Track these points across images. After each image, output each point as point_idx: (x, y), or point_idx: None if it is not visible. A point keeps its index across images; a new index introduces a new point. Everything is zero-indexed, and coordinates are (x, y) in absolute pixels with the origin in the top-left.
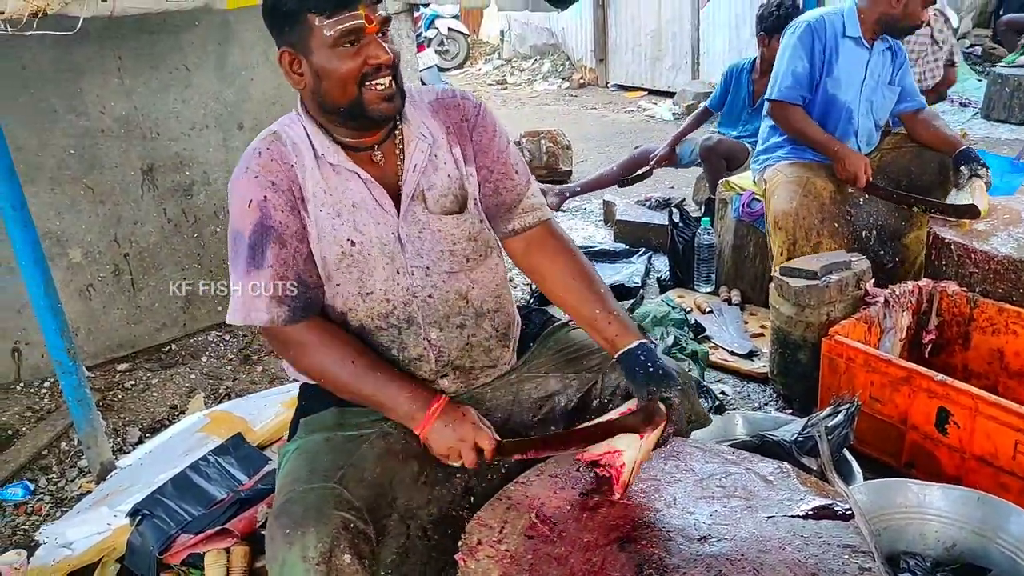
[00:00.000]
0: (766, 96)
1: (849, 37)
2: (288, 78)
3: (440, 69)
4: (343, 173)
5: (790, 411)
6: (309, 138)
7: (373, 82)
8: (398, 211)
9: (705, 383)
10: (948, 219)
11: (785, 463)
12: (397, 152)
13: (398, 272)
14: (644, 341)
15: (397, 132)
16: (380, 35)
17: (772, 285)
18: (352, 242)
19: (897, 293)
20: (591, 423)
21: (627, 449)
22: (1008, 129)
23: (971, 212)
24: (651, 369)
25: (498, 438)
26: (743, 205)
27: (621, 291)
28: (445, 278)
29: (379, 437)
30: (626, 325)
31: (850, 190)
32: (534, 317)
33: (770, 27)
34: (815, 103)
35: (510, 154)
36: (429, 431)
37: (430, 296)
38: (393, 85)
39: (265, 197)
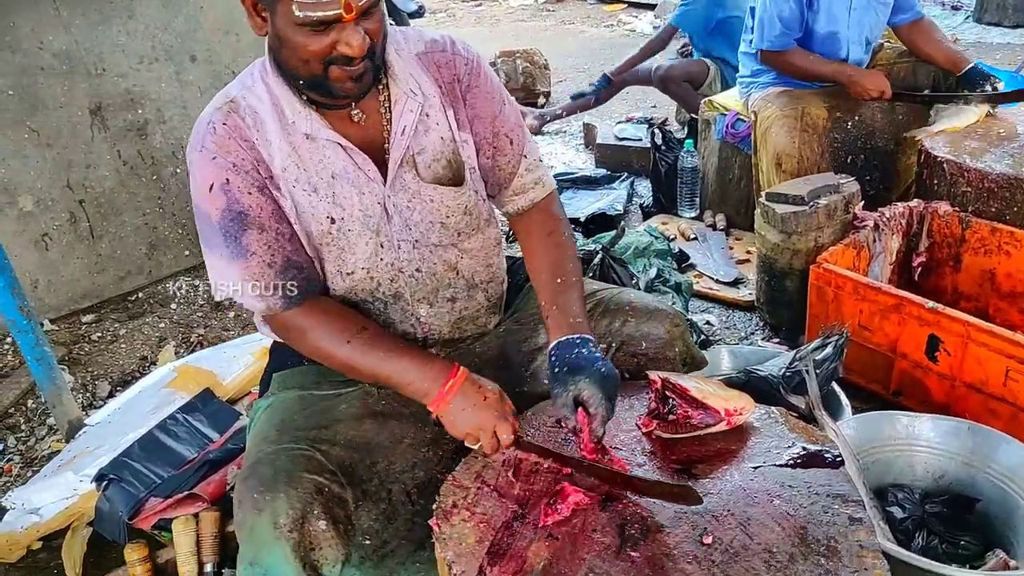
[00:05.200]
0: (755, 44)
1: None
2: (250, 19)
3: None
4: (319, 142)
5: (776, 340)
6: (275, 102)
7: (342, 66)
8: (384, 179)
9: (689, 316)
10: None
11: (773, 408)
12: (381, 111)
13: (382, 246)
14: (563, 338)
15: (382, 87)
16: (363, 16)
17: (758, 212)
18: (332, 219)
19: (887, 216)
20: (627, 473)
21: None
22: (1000, 33)
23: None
24: (556, 369)
25: (518, 430)
26: (727, 126)
27: (603, 220)
28: (432, 250)
29: (358, 396)
30: (558, 322)
31: (839, 115)
32: (518, 269)
33: None
34: (799, 41)
35: (506, 120)
36: (444, 411)
37: (418, 270)
38: (366, 65)
39: (227, 180)
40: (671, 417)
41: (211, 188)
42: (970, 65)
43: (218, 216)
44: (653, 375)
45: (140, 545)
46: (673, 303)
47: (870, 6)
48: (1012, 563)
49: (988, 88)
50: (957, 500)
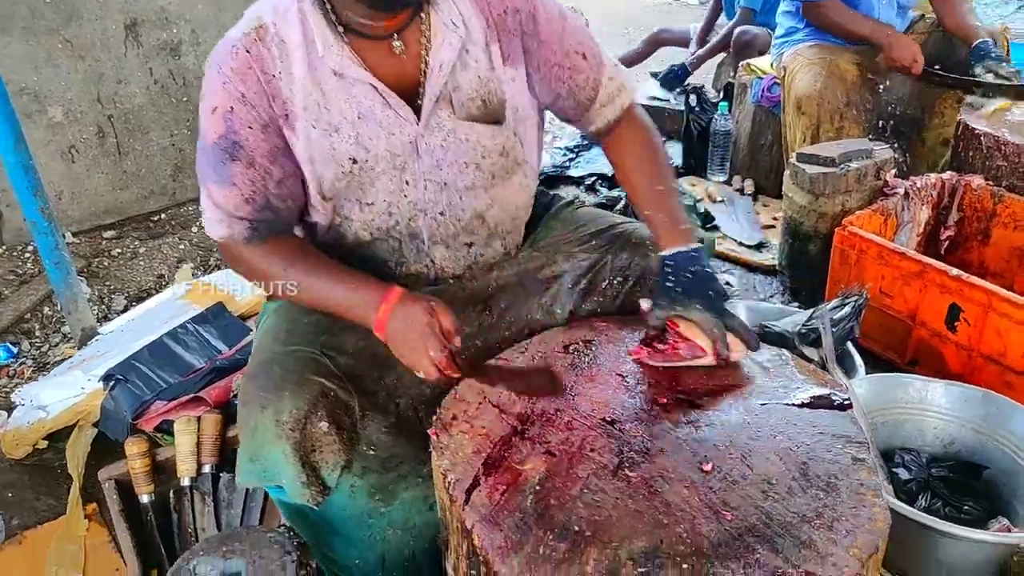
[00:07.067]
0: None
1: None
2: None
3: None
4: (347, 78)
5: (796, 304)
6: (307, 32)
7: None
8: (418, 116)
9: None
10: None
11: (784, 351)
12: (422, 40)
13: (407, 183)
14: (681, 249)
15: (423, 16)
16: None
17: (787, 173)
18: (354, 159)
19: (918, 185)
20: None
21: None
22: None
23: None
24: (670, 282)
25: (455, 343)
26: (764, 89)
27: None
28: (463, 194)
29: None
30: (669, 228)
31: (870, 77)
32: (539, 198)
33: None
34: None
35: (572, 35)
36: (387, 338)
37: (441, 213)
38: None
39: (232, 109)
40: (661, 346)
41: (214, 111)
42: (979, 40)
43: (212, 139)
44: (645, 303)
45: (141, 440)
46: None
47: None
48: (1015, 531)
49: (991, 62)
50: (964, 466)
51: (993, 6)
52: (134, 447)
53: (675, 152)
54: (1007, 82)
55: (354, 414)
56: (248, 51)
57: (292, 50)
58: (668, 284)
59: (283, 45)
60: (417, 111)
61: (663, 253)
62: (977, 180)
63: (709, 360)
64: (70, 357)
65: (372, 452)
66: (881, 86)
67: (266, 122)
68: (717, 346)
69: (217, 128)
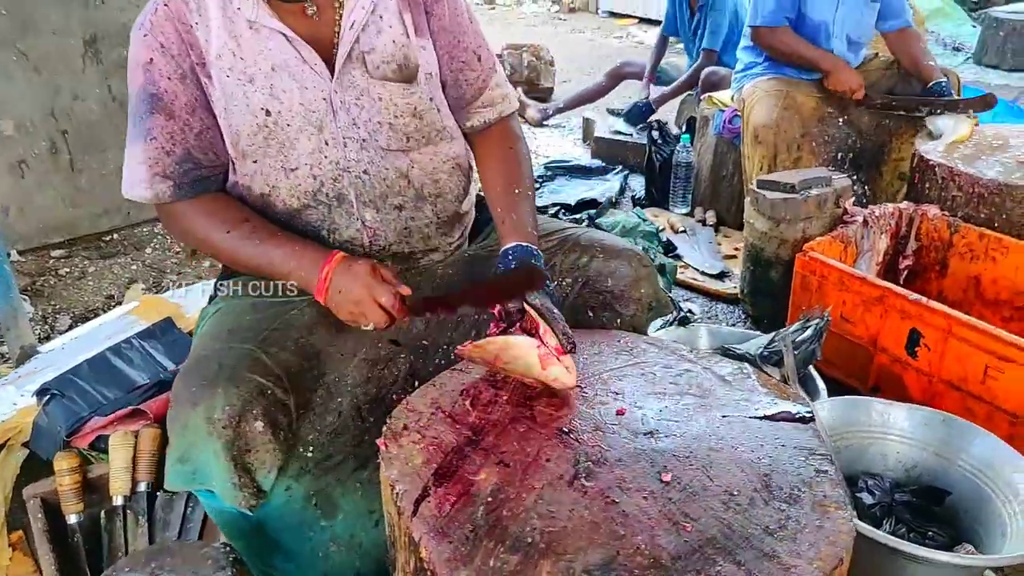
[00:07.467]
0: (748, 23)
1: None
2: None
3: None
4: (262, 31)
5: (758, 331)
6: None
7: None
8: (332, 73)
9: (670, 296)
10: (960, 114)
11: (746, 364)
12: (336, 6)
13: (327, 143)
14: (521, 243)
15: None
16: None
17: (747, 200)
18: (267, 111)
19: (876, 214)
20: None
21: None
22: (998, 75)
23: (984, 103)
24: (513, 266)
25: (403, 291)
26: (725, 121)
27: (593, 207)
28: (384, 155)
29: (311, 304)
30: (515, 227)
31: (829, 110)
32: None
33: None
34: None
35: (473, 35)
36: (328, 300)
37: (365, 172)
38: None
39: (151, 60)
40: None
41: (137, 66)
42: (934, 81)
43: (136, 95)
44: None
45: (71, 455)
46: None
47: (856, 5)
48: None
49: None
50: (927, 492)
51: (943, 57)
52: (63, 462)
53: (638, 184)
54: (955, 100)
55: (291, 414)
56: (167, 5)
57: (209, 5)
58: (514, 266)
59: (201, 1)
60: (332, 69)
61: (504, 246)
62: (933, 210)
63: (534, 345)
64: (5, 376)
65: (309, 453)
66: (840, 119)
67: (185, 72)
68: (557, 327)
69: (138, 80)
